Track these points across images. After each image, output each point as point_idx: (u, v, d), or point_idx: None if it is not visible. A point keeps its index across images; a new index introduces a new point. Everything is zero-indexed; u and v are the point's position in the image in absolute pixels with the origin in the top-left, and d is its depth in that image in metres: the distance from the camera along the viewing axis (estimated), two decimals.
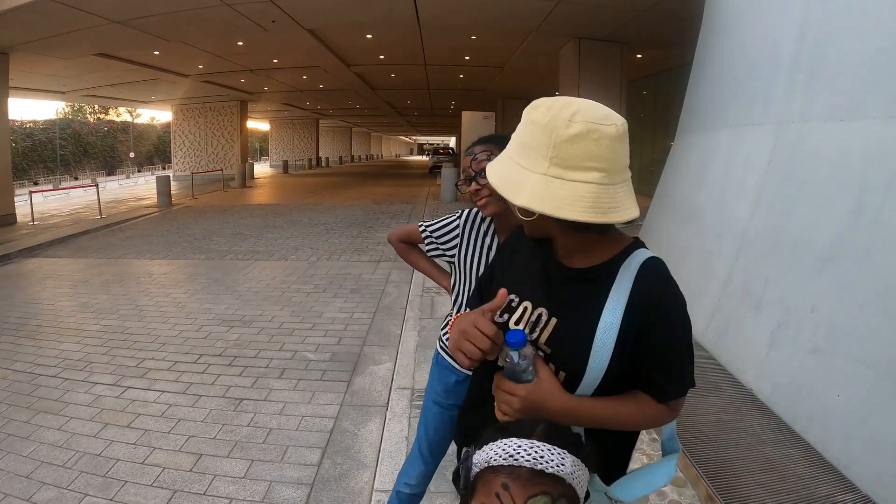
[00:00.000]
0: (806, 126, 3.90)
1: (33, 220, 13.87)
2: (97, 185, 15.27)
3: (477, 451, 0.92)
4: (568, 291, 1.24)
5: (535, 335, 1.23)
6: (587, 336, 1.15)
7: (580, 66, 16.18)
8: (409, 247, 2.31)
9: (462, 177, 2.05)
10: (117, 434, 3.70)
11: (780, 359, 3.56)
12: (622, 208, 1.08)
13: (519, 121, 1.17)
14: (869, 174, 3.27)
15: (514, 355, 1.10)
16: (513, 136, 1.17)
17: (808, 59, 3.98)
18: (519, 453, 0.87)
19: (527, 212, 1.12)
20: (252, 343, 5.39)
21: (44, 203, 18.64)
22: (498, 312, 1.25)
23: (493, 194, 1.88)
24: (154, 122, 57.78)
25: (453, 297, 2.16)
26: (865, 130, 3.36)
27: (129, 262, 9.37)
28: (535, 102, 1.14)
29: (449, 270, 2.23)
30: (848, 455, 2.96)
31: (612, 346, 1.14)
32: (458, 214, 2.13)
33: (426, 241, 2.17)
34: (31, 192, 15.30)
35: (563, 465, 0.87)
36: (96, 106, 48.53)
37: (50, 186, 28.17)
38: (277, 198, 20.93)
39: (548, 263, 1.29)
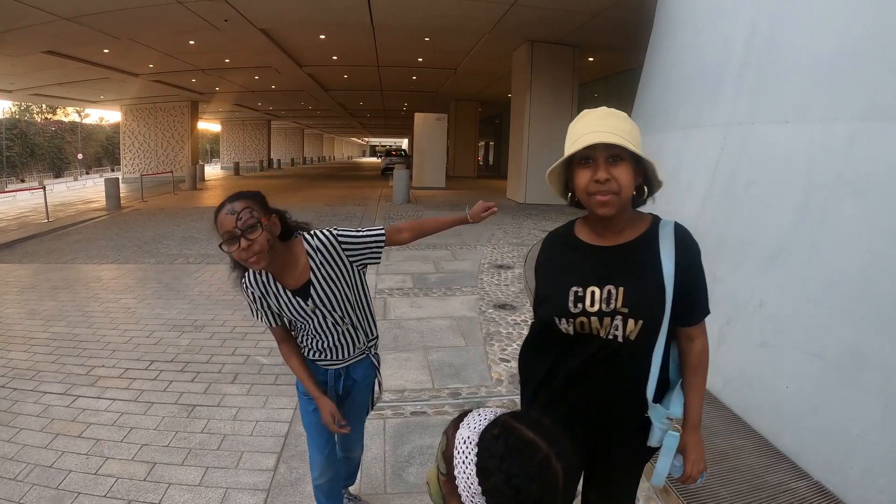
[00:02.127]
0: (753, 128, 4.01)
1: None
2: (44, 188, 14.76)
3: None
4: (621, 263, 1.59)
5: (611, 306, 1.56)
6: (657, 287, 1.54)
7: (532, 69, 16.34)
8: (290, 349, 2.37)
9: (224, 237, 1.90)
10: (69, 444, 3.57)
11: (731, 353, 3.65)
12: None
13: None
14: (814, 174, 3.38)
15: (675, 470, 1.72)
16: (628, 135, 1.49)
17: (756, 63, 4.09)
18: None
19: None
20: (204, 348, 5.28)
21: None
22: (571, 305, 1.60)
23: (262, 249, 1.90)
24: (103, 123, 56.25)
25: (300, 339, 2.36)
26: (811, 132, 3.48)
27: (78, 268, 9.06)
28: (612, 110, 1.55)
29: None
30: (799, 444, 3.06)
31: (674, 288, 1.53)
32: (244, 288, 2.18)
33: (269, 325, 2.30)
34: None
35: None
36: (44, 105, 47.05)
37: None
38: None
39: (591, 253, 1.64)
